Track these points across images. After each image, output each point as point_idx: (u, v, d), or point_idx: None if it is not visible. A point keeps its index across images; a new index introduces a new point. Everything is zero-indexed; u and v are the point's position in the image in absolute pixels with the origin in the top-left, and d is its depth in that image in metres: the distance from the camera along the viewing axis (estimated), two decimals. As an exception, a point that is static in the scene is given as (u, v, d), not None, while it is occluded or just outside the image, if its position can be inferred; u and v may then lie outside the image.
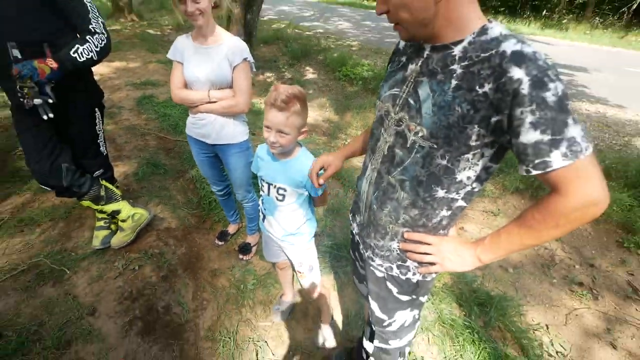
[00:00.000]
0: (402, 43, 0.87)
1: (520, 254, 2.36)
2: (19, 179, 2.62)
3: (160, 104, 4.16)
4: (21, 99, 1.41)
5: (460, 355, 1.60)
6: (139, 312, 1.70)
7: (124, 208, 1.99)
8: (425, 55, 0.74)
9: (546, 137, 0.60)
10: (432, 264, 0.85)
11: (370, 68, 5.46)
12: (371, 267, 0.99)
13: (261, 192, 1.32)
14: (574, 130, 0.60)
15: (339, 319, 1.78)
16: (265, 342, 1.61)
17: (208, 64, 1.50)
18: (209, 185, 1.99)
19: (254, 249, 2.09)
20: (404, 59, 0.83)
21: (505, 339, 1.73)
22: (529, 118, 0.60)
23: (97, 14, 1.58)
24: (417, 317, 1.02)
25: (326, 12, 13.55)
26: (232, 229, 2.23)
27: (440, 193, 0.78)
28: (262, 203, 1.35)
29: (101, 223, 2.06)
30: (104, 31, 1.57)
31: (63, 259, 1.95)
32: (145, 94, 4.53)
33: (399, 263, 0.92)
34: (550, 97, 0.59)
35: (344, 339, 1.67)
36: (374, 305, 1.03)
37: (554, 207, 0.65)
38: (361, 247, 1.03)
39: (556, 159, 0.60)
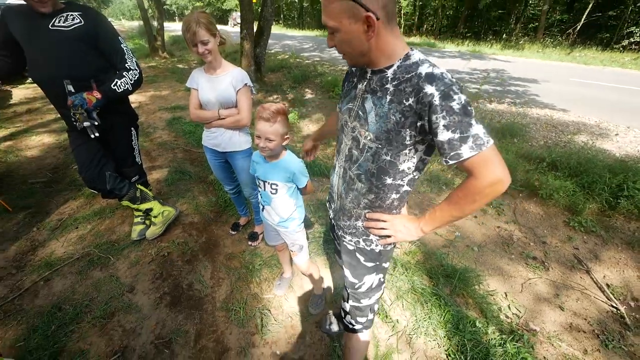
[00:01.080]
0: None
1: (483, 235, 2.38)
2: (75, 187, 2.74)
3: (186, 124, 4.26)
4: (74, 123, 1.52)
5: (429, 317, 1.63)
6: (167, 289, 1.77)
7: (156, 206, 2.07)
8: (368, 77, 0.81)
9: (456, 136, 0.67)
10: (388, 236, 0.92)
11: (359, 87, 5.53)
12: (344, 243, 1.05)
13: (259, 189, 1.39)
14: (477, 129, 0.67)
15: (329, 290, 1.82)
16: (269, 310, 1.66)
17: (216, 89, 1.58)
18: (224, 186, 2.07)
19: (260, 237, 2.14)
20: (355, 79, 0.89)
21: (467, 304, 1.76)
22: (442, 122, 0.67)
23: (132, 54, 1.68)
24: (382, 280, 1.07)
25: (322, 43, 13.64)
26: (242, 221, 2.29)
27: (389, 181, 0.85)
28: (261, 197, 1.41)
29: (138, 219, 2.15)
30: (136, 68, 1.67)
31: (108, 249, 2.03)
32: (174, 115, 4.65)
33: (364, 237, 0.98)
34: (455, 105, 0.66)
35: (333, 306, 1.71)
36: (347, 272, 1.09)
37: (471, 187, 0.72)
38: (335, 228, 1.09)
39: (465, 151, 0.67)
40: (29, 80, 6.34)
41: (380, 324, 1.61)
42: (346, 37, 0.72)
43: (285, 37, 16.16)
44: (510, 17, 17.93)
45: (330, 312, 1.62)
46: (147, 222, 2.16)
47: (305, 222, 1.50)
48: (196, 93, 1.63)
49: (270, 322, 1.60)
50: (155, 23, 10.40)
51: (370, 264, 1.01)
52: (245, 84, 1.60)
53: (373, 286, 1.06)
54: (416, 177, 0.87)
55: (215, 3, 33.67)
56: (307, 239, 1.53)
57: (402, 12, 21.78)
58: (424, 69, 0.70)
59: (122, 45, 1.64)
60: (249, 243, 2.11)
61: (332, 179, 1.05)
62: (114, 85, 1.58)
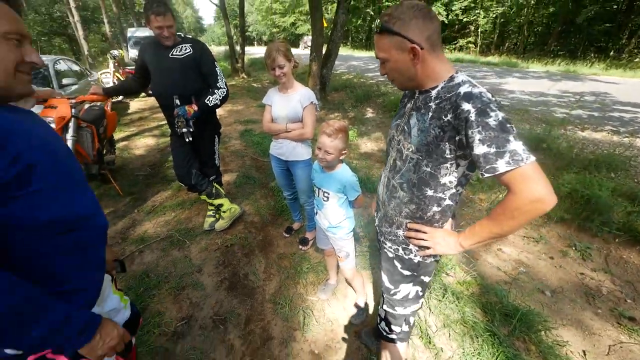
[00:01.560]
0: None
1: (560, 280, 2.12)
2: (166, 181, 3.39)
3: (255, 136, 4.85)
4: (176, 129, 1.98)
5: (479, 353, 1.54)
6: (227, 275, 2.06)
7: (226, 203, 2.45)
8: (415, 97, 0.93)
9: (492, 150, 0.72)
10: (427, 247, 0.98)
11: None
12: (384, 249, 1.13)
13: (314, 194, 1.58)
14: (515, 145, 0.71)
15: (372, 305, 1.87)
16: (312, 311, 1.79)
17: (287, 106, 1.85)
18: (282, 192, 2.33)
19: (310, 242, 2.32)
20: (405, 100, 1.03)
21: (529, 351, 1.60)
22: (477, 136, 0.73)
23: (222, 76, 2.10)
24: (420, 293, 1.11)
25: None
26: (296, 226, 2.52)
27: (430, 192, 0.91)
28: (315, 202, 1.61)
29: (210, 212, 2.57)
30: (225, 87, 2.08)
31: (186, 234, 2.46)
32: (246, 128, 5.32)
33: (404, 246, 1.04)
34: (492, 121, 0.72)
35: (374, 320, 1.75)
36: (384, 277, 1.16)
37: (509, 203, 0.75)
38: (378, 234, 1.17)
39: (501, 165, 0.71)
40: (142, 95, 8.04)
41: (423, 349, 1.59)
42: (395, 66, 0.85)
43: (352, 58, 16.89)
44: (621, 31, 15.47)
45: (370, 324, 1.68)
46: (217, 215, 2.55)
47: (354, 235, 1.62)
48: (270, 109, 1.94)
49: (312, 322, 1.73)
50: (238, 48, 12.12)
51: (407, 272, 1.07)
52: (311, 102, 1.84)
53: (409, 297, 1.10)
54: (459, 192, 0.93)
55: (290, 28, 37.53)
56: (355, 250, 1.64)
57: (479, 30, 20.68)
58: (463, 89, 0.79)
59: (216, 69, 2.08)
60: (300, 247, 2.31)
61: (378, 188, 1.15)
62: (207, 100, 2.01)
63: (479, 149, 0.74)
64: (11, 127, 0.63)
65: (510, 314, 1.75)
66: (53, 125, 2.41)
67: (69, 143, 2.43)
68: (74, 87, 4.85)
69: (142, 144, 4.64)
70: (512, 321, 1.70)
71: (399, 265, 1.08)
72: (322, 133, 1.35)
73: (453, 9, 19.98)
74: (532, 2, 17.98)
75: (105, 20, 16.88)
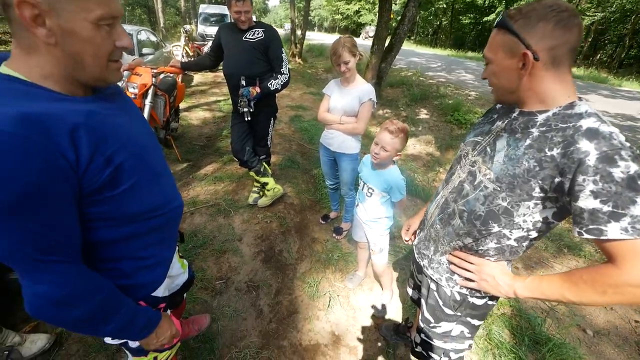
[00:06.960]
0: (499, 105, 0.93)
1: (608, 322, 1.97)
2: (218, 154, 3.70)
3: (305, 122, 5.00)
4: (238, 107, 2.17)
5: (499, 374, 1.54)
6: (264, 248, 2.25)
7: (271, 182, 2.64)
8: (512, 117, 0.78)
9: (606, 208, 0.58)
10: (471, 280, 0.87)
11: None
12: (425, 276, 1.02)
13: (359, 187, 1.66)
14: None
15: (395, 302, 1.92)
16: (337, 296, 1.91)
17: (345, 99, 1.92)
18: (325, 180, 2.44)
19: (344, 233, 2.42)
20: (495, 116, 0.87)
21: (557, 385, 1.55)
22: (590, 187, 0.59)
23: (287, 62, 2.24)
24: (466, 334, 0.98)
25: (452, 64, 13.05)
26: (333, 215, 2.63)
27: (496, 228, 0.78)
28: (358, 194, 1.69)
29: (255, 189, 2.78)
30: (287, 73, 2.22)
31: (231, 205, 2.71)
32: (297, 114, 5.50)
33: (448, 275, 0.93)
34: (618, 173, 0.57)
35: (395, 316, 1.82)
36: (423, 306, 1.06)
37: (605, 275, 0.61)
38: (417, 256, 1.06)
39: (613, 230, 0.58)
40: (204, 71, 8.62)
41: (440, 356, 1.62)
42: (496, 70, 0.73)
43: (414, 54, 16.16)
44: None
45: (392, 320, 1.75)
46: (261, 193, 2.76)
47: (391, 234, 1.67)
48: (328, 99, 2.03)
49: (336, 306, 1.85)
50: (299, 32, 12.31)
51: (448, 310, 0.95)
52: (370, 99, 1.88)
53: (452, 334, 0.98)
54: (531, 237, 0.77)
55: (353, 16, 36.90)
56: (388, 247, 1.70)
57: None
58: (587, 123, 0.63)
59: (283, 55, 2.21)
60: (334, 235, 2.43)
61: (429, 207, 1.03)
62: (269, 84, 2.16)
63: (587, 202, 0.60)
64: (103, 126, 0.61)
65: (541, 342, 1.70)
66: (136, 91, 2.75)
67: (147, 108, 2.76)
68: (150, 57, 5.39)
69: (201, 116, 5.06)
70: (542, 349, 1.65)
71: (440, 302, 0.97)
72: (384, 129, 1.36)
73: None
74: (643, 7, 14.88)
75: (182, -5, 18.23)
